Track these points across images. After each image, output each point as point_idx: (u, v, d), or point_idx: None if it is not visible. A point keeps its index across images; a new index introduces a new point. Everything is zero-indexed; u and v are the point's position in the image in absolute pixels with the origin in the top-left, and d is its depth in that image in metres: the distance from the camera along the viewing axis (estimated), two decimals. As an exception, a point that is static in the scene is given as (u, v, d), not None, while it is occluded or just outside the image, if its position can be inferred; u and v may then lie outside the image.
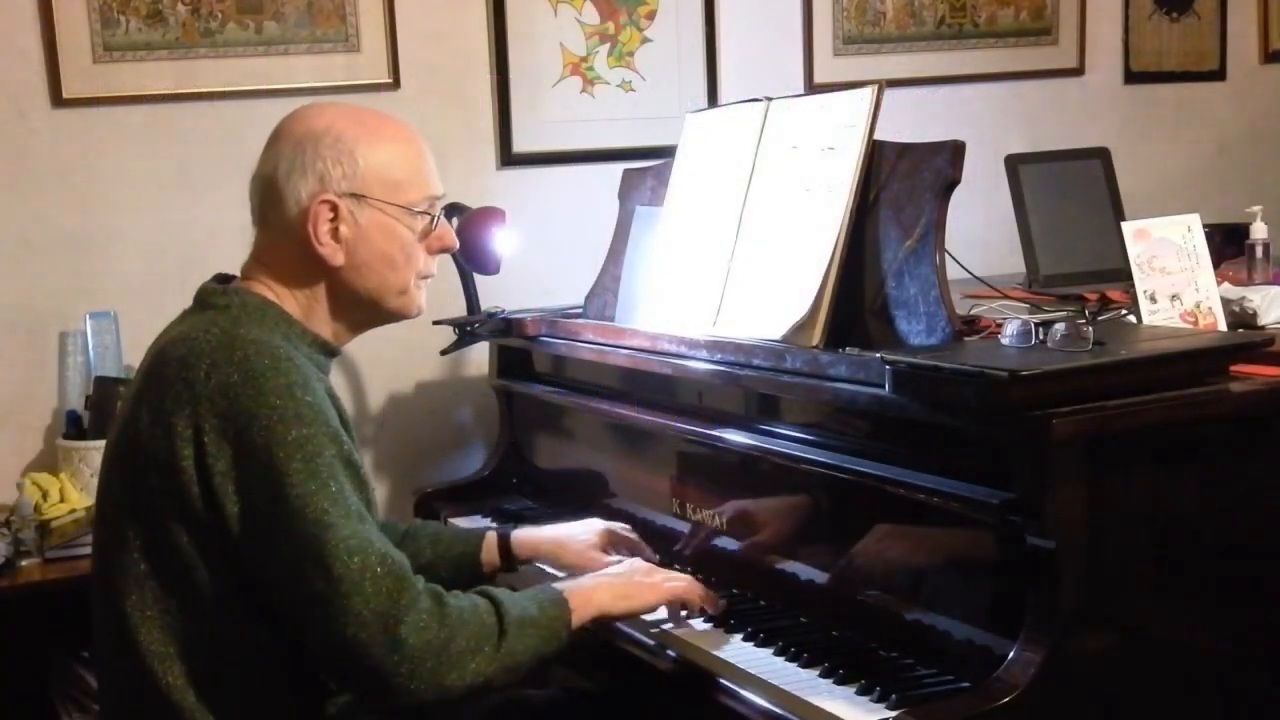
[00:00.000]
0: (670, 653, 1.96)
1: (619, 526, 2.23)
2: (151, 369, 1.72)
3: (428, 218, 1.84)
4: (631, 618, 1.96)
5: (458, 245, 1.96)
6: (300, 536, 1.60)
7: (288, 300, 1.81)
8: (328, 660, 1.68)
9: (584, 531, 2.18)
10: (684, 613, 1.98)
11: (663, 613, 1.99)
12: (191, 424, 1.64)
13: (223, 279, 1.85)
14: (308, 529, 1.60)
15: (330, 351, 1.85)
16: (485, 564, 2.12)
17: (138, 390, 1.73)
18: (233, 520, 1.63)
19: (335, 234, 1.77)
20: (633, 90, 3.36)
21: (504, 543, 2.15)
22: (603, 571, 2.02)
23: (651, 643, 1.99)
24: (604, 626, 1.96)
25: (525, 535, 2.18)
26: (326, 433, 1.65)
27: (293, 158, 1.77)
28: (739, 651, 1.89)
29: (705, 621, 1.98)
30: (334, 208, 1.76)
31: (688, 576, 2.02)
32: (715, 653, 1.89)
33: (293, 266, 1.80)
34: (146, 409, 1.68)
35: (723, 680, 1.84)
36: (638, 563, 2.06)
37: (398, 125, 1.85)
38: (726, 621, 1.97)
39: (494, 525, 2.26)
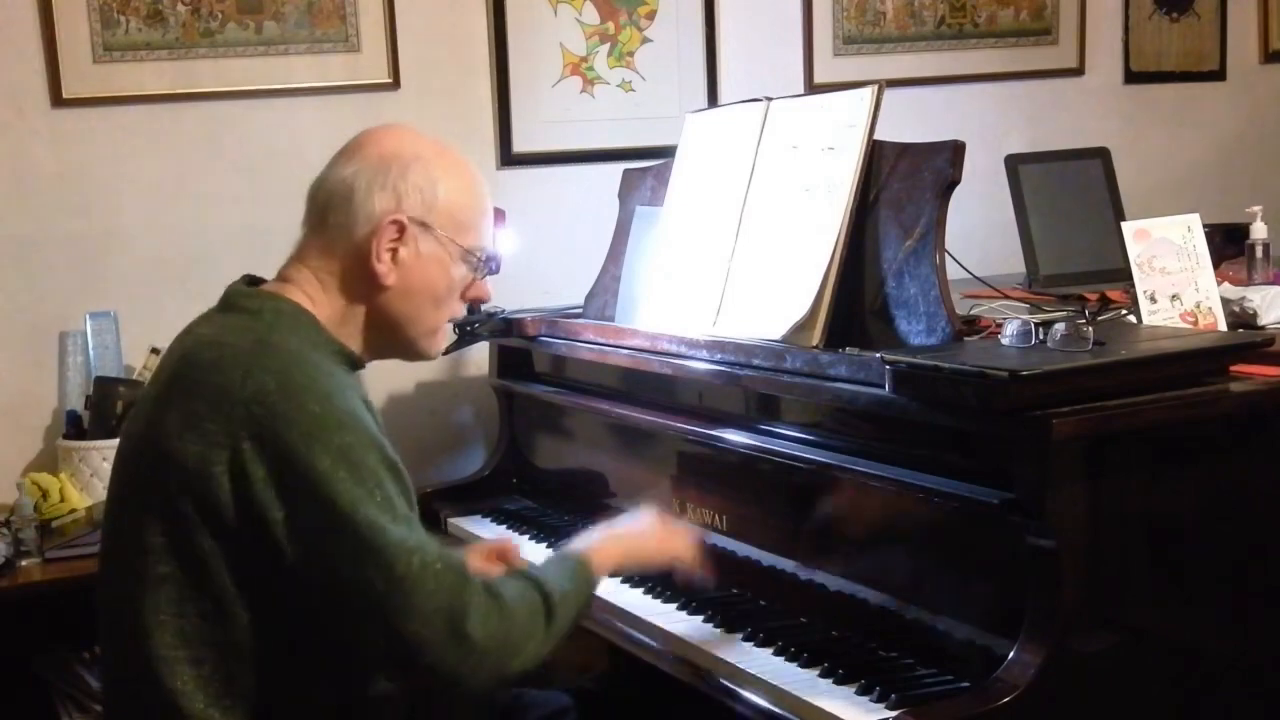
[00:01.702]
0: (671, 653, 1.96)
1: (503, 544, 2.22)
2: (178, 372, 1.70)
3: (477, 265, 1.85)
4: (642, 569, 2.02)
5: (491, 299, 1.99)
6: (356, 541, 1.59)
7: (323, 307, 1.78)
8: (391, 657, 1.67)
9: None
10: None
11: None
12: (226, 430, 1.61)
13: (252, 281, 1.83)
14: (361, 533, 1.59)
15: (355, 365, 1.83)
16: None
17: (162, 393, 1.71)
18: (277, 526, 1.61)
19: (394, 255, 1.77)
20: (633, 90, 3.36)
21: None
22: (615, 528, 2.00)
23: (652, 643, 1.99)
24: (606, 627, 1.97)
25: None
26: (368, 439, 1.65)
27: (375, 173, 1.77)
28: (739, 651, 1.89)
29: (706, 621, 1.99)
30: (401, 229, 1.77)
31: (694, 536, 2.02)
32: (715, 653, 1.89)
33: (340, 275, 1.79)
34: (175, 413, 1.65)
35: (723, 680, 1.84)
36: (645, 515, 2.04)
37: (476, 173, 1.87)
38: (727, 621, 1.97)
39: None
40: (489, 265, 1.88)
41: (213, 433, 1.62)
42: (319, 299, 1.79)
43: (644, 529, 1.99)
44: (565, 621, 1.74)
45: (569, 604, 1.76)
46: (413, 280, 1.79)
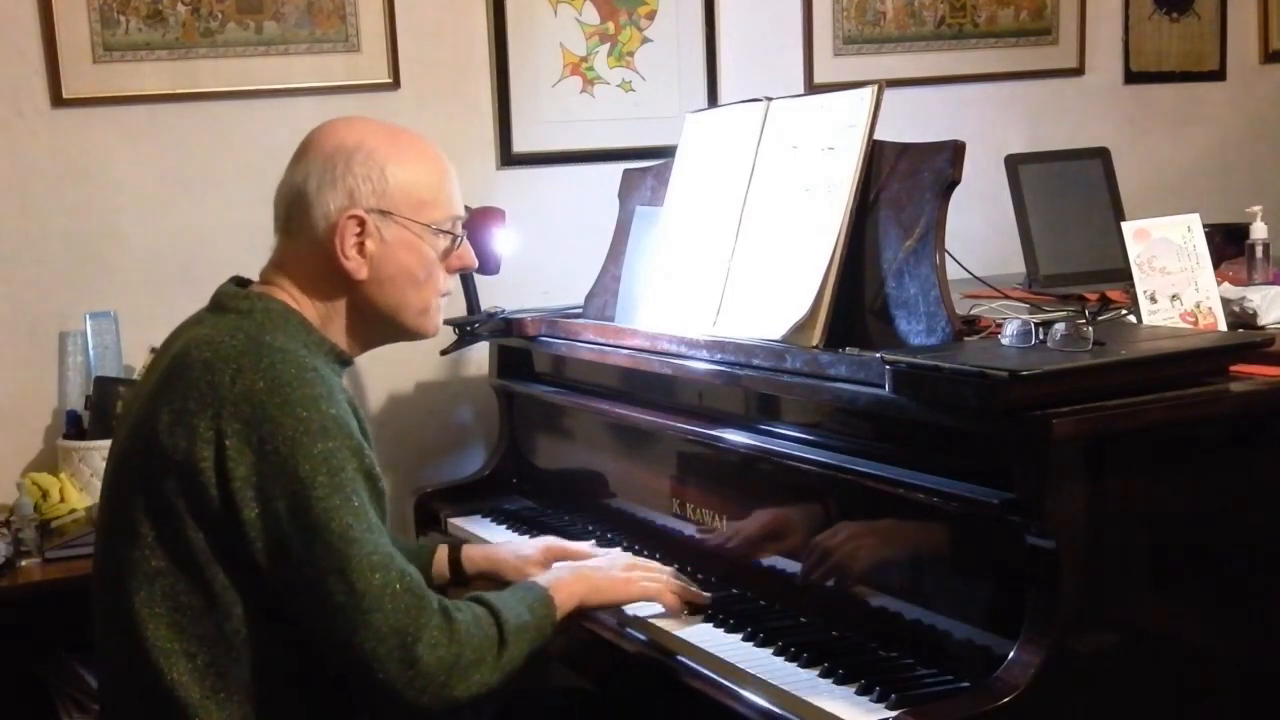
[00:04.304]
0: (670, 652, 1.96)
1: (574, 546, 2.19)
2: (172, 370, 1.72)
3: (450, 237, 1.87)
4: (605, 609, 2.00)
5: (476, 265, 1.98)
6: (324, 550, 1.63)
7: (307, 309, 1.82)
8: (343, 669, 1.69)
9: (526, 547, 2.20)
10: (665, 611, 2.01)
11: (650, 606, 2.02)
12: (213, 427, 1.64)
13: (239, 282, 1.86)
14: (332, 542, 1.63)
15: (344, 361, 1.86)
16: (435, 578, 2.13)
17: (155, 390, 1.73)
18: (251, 525, 1.64)
19: (361, 248, 1.80)
20: (633, 90, 3.36)
21: (454, 559, 2.16)
22: (584, 564, 2.05)
23: (651, 642, 1.99)
24: (606, 627, 1.98)
25: (472, 551, 2.19)
26: (350, 446, 1.67)
27: (323, 171, 1.79)
28: (738, 651, 1.89)
29: (705, 620, 1.98)
30: (361, 223, 1.79)
31: (668, 573, 2.04)
32: (715, 652, 1.89)
33: (315, 277, 1.82)
34: (167, 409, 1.68)
35: (722, 680, 1.84)
36: (618, 555, 2.11)
37: (426, 144, 1.87)
38: (726, 621, 1.97)
39: (445, 540, 2.32)
40: (462, 234, 1.89)
41: (201, 429, 1.65)
42: (302, 300, 1.82)
43: (613, 569, 2.01)
44: (519, 653, 1.76)
45: (524, 636, 1.78)
46: (386, 269, 1.81)
